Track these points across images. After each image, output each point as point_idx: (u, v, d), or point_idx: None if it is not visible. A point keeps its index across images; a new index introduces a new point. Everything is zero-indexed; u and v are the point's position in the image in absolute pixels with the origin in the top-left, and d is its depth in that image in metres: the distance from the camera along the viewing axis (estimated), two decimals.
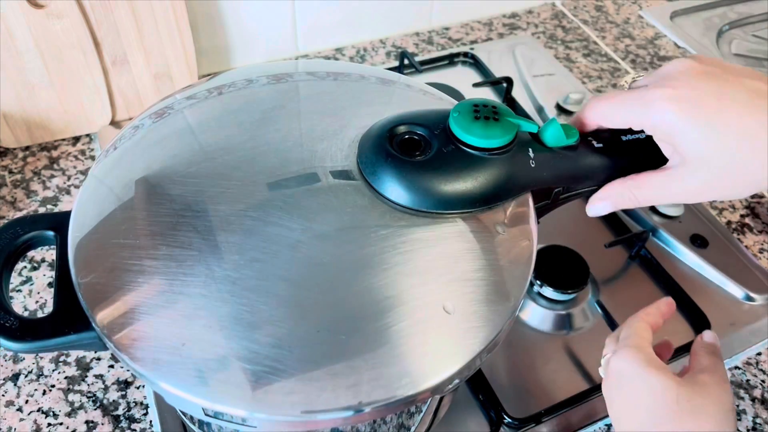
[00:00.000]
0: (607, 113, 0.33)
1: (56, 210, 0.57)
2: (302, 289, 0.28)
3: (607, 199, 0.34)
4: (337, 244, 0.29)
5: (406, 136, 0.32)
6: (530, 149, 0.32)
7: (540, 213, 0.35)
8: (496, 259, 0.30)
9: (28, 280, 0.52)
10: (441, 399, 0.37)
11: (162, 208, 0.30)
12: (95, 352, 0.47)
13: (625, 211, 0.60)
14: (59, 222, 0.33)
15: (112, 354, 0.41)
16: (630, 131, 0.35)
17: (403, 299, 0.28)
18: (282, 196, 0.31)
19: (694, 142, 0.30)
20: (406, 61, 0.73)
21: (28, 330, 0.29)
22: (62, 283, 0.30)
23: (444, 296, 0.28)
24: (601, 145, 0.34)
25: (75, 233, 0.30)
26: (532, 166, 0.32)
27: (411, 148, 0.32)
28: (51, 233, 0.33)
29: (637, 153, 0.34)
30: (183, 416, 0.40)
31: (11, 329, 0.28)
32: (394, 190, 0.31)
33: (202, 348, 0.26)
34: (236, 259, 0.28)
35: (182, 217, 0.30)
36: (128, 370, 0.47)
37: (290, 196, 0.31)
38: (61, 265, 0.31)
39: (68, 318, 0.29)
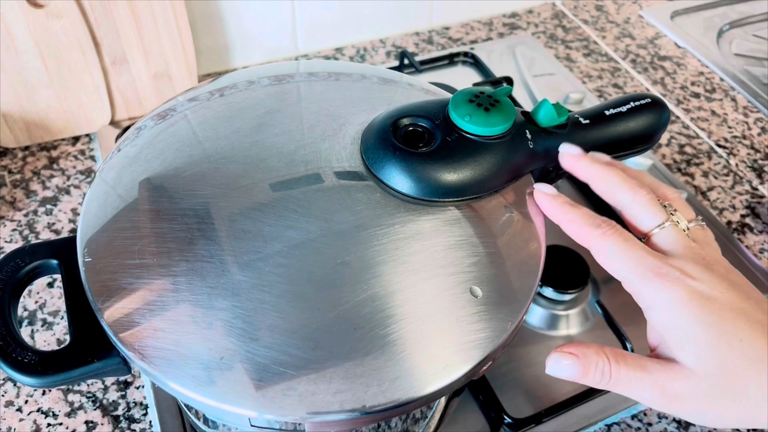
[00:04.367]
0: (607, 246, 0.28)
1: (56, 210, 0.57)
2: (330, 289, 0.28)
3: (577, 357, 0.28)
4: (357, 241, 0.29)
5: (410, 128, 0.33)
6: (527, 131, 0.34)
7: None
8: (512, 240, 0.31)
9: None
10: (448, 402, 0.37)
11: (175, 224, 0.30)
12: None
13: None
14: (59, 249, 0.32)
15: None
16: (613, 105, 0.37)
17: (421, 295, 0.28)
18: (295, 199, 0.31)
19: (698, 349, 0.26)
20: (406, 61, 0.73)
21: (48, 364, 0.28)
22: (75, 311, 0.29)
23: (465, 287, 0.29)
24: (588, 121, 0.36)
25: (85, 257, 0.30)
26: (531, 146, 0.34)
27: (415, 140, 0.33)
28: (54, 262, 0.32)
29: (622, 126, 0.37)
30: (188, 412, 0.40)
31: (31, 365, 0.28)
32: (406, 182, 0.31)
33: (241, 359, 0.26)
34: (261, 266, 0.28)
35: (197, 230, 0.29)
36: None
37: (302, 198, 0.31)
38: (71, 293, 0.30)
39: (89, 346, 0.29)
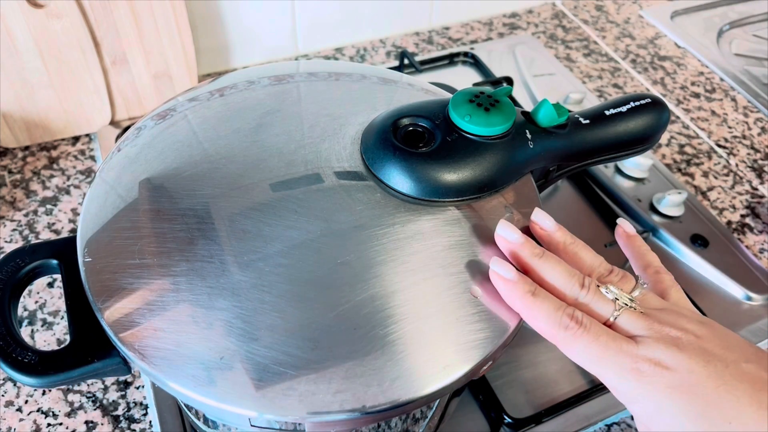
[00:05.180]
0: (578, 349, 0.27)
1: (56, 210, 0.57)
2: (330, 289, 0.28)
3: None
4: (357, 241, 0.29)
5: (410, 128, 0.33)
6: (527, 131, 0.34)
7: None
8: None
9: None
10: (448, 402, 0.37)
11: (175, 224, 0.30)
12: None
13: (625, 210, 0.60)
14: (60, 249, 0.32)
15: None
16: (613, 105, 0.37)
17: (421, 295, 0.28)
18: (295, 199, 0.31)
19: None
20: (406, 61, 0.73)
21: (49, 364, 0.28)
22: (75, 311, 0.29)
23: (465, 287, 0.29)
24: (588, 121, 0.36)
25: (85, 257, 0.30)
26: (531, 147, 0.34)
27: (415, 140, 0.33)
28: (54, 261, 0.32)
29: (622, 126, 0.37)
30: (188, 412, 0.40)
31: (31, 365, 0.28)
32: (406, 182, 0.31)
33: (241, 359, 0.26)
34: (261, 266, 0.28)
35: (197, 230, 0.29)
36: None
37: (302, 198, 0.31)
38: (71, 293, 0.30)
39: (89, 346, 0.29)
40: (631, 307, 0.28)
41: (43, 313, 0.49)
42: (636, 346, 0.27)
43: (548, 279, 0.29)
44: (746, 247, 0.58)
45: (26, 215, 0.56)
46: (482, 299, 0.28)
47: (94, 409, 0.45)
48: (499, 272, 0.28)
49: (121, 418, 0.44)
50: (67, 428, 0.44)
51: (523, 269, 0.30)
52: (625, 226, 0.34)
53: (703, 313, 0.51)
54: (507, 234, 0.30)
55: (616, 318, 0.28)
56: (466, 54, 0.76)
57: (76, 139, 0.64)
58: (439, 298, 0.28)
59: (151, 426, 0.44)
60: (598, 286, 0.29)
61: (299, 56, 0.76)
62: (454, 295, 0.28)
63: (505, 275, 0.28)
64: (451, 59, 0.76)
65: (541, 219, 0.31)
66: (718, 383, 0.25)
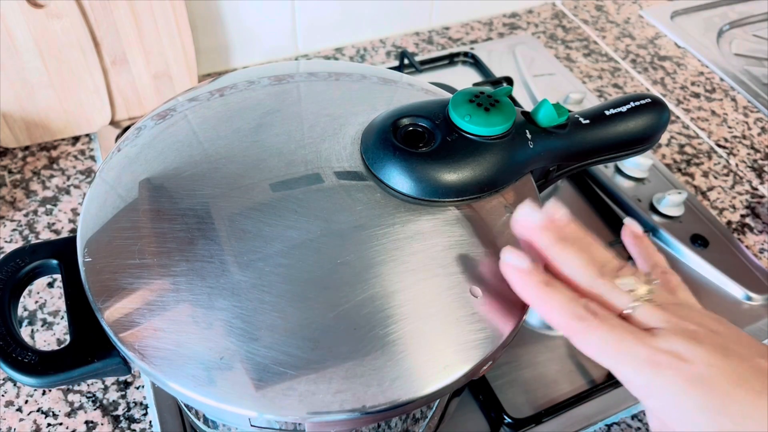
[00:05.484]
0: (593, 340, 0.26)
1: (56, 210, 0.57)
2: (330, 289, 0.28)
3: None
4: (357, 241, 0.29)
5: (410, 128, 0.33)
6: (527, 131, 0.34)
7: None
8: (512, 240, 0.31)
9: None
10: (448, 402, 0.37)
11: (175, 224, 0.30)
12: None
13: (625, 210, 0.60)
14: (60, 249, 0.32)
15: None
16: (613, 105, 0.37)
17: (421, 295, 0.28)
18: (295, 199, 0.31)
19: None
20: (406, 61, 0.73)
21: (49, 364, 0.28)
22: (75, 311, 0.29)
23: (465, 287, 0.29)
24: (588, 121, 0.36)
25: (85, 257, 0.30)
26: (531, 147, 0.34)
27: (415, 140, 0.33)
28: (54, 261, 0.32)
29: (622, 126, 0.37)
30: (188, 412, 0.40)
31: (31, 365, 0.28)
32: (406, 182, 0.31)
33: (241, 359, 0.26)
34: (261, 266, 0.28)
35: (197, 230, 0.29)
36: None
37: (302, 198, 0.31)
38: (71, 293, 0.30)
39: (89, 346, 0.29)
40: (648, 299, 0.27)
41: (43, 313, 0.49)
42: (654, 338, 0.26)
43: (563, 269, 0.28)
44: (746, 247, 0.58)
45: (26, 215, 0.56)
46: (482, 299, 0.28)
47: (94, 409, 0.45)
48: (513, 262, 0.28)
49: (121, 418, 0.44)
50: (67, 428, 0.44)
51: (538, 257, 0.29)
52: (632, 226, 0.33)
53: None
54: (530, 214, 0.29)
55: (633, 310, 0.27)
56: (466, 54, 0.76)
57: (76, 139, 0.64)
58: (439, 298, 0.28)
59: (151, 426, 0.44)
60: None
61: (299, 56, 0.76)
62: (454, 295, 0.28)
63: (519, 264, 0.27)
64: (451, 59, 0.76)
65: (553, 211, 0.31)
66: (736, 378, 0.25)
